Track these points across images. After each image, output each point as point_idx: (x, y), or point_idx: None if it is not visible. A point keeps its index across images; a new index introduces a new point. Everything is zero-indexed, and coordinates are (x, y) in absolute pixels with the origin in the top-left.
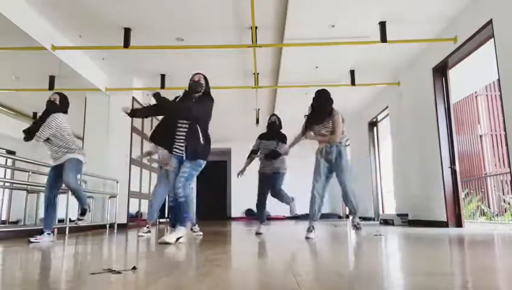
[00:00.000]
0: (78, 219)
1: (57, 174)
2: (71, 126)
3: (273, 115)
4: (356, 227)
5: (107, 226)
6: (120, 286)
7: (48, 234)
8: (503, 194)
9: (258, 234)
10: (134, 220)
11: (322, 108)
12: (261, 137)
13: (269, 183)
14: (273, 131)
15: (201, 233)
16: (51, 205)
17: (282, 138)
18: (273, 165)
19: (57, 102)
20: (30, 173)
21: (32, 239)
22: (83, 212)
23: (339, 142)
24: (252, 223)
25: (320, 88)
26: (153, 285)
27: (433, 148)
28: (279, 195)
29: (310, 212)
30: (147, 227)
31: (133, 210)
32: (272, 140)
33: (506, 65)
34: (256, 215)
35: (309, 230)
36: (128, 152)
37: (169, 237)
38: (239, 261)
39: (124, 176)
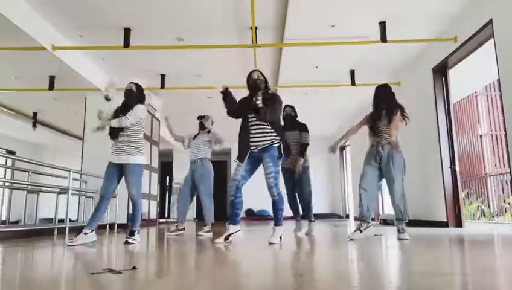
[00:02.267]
0: (126, 242)
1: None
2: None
3: (287, 106)
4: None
5: (107, 226)
6: (120, 286)
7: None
8: (503, 194)
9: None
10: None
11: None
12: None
13: (293, 180)
14: (292, 122)
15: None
16: (104, 203)
17: (304, 127)
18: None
19: (134, 90)
20: (30, 173)
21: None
22: (131, 232)
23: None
24: (253, 223)
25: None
26: (153, 285)
27: (433, 148)
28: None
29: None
30: (176, 226)
31: None
32: (293, 130)
33: (506, 65)
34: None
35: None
36: None
37: (273, 238)
38: (240, 261)
39: None
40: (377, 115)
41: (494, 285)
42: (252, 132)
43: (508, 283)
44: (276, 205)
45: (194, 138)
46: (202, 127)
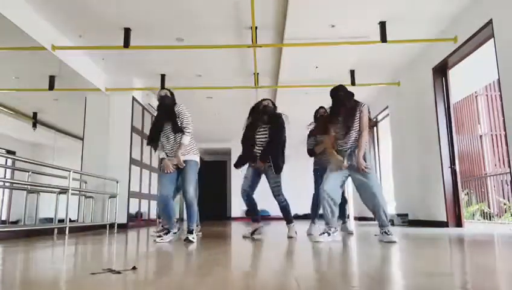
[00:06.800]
0: (186, 239)
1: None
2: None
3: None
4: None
5: (107, 226)
6: (120, 286)
7: (174, 233)
8: (503, 197)
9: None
10: (134, 220)
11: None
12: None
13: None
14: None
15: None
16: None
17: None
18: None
19: (169, 95)
20: (30, 173)
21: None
22: (190, 231)
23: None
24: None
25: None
26: (153, 285)
27: (433, 148)
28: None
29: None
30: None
31: (133, 210)
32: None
33: (506, 65)
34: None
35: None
36: (128, 152)
37: (291, 233)
38: (239, 261)
39: (124, 176)
40: (334, 119)
41: (494, 285)
42: (257, 147)
43: (508, 283)
44: (288, 210)
45: None
46: None
